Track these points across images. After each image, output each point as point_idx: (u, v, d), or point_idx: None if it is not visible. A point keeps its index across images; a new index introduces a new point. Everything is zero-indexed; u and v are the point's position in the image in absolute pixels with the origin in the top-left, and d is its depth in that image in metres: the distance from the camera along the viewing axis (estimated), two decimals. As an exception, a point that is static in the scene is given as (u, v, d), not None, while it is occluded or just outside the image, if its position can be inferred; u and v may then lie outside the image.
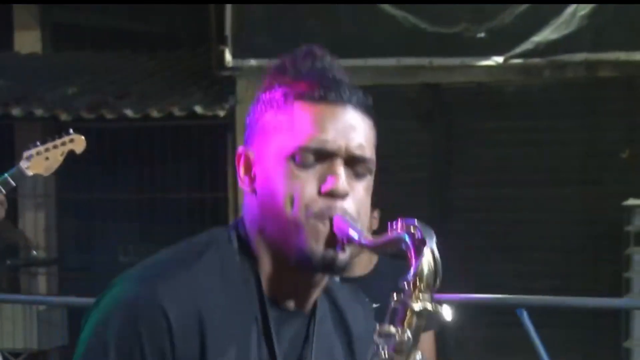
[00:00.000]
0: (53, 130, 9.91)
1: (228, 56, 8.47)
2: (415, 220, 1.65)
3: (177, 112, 9.10)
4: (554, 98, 8.41)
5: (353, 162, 1.74)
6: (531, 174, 8.31)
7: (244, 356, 1.73)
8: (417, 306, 1.63)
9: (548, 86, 8.44)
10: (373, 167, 1.78)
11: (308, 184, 1.72)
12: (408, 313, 1.64)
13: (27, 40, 10.73)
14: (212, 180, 9.57)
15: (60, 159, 4.30)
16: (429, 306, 1.63)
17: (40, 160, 4.26)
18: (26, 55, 10.63)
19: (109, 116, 9.22)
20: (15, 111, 9.30)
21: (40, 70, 10.18)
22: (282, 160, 1.73)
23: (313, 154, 1.72)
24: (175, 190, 9.48)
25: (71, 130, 4.33)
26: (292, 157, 1.72)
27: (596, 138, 8.21)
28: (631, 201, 7.63)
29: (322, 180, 1.72)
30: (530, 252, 8.21)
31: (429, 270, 1.63)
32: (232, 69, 8.58)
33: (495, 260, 7.97)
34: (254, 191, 1.78)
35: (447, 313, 1.63)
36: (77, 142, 4.34)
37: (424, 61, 8.06)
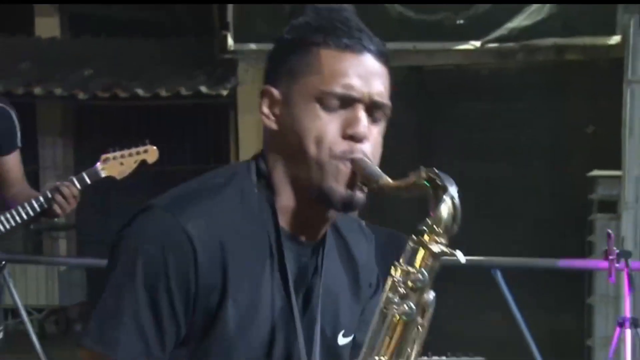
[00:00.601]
0: (72, 108, 9.89)
1: (230, 41, 8.44)
2: (435, 169, 1.63)
3: (184, 91, 9.10)
4: (526, 79, 8.39)
5: (373, 107, 1.72)
6: (505, 150, 8.31)
7: (259, 286, 1.70)
8: (435, 248, 1.61)
9: (520, 68, 8.42)
10: (389, 112, 1.76)
11: (332, 127, 1.70)
12: (426, 254, 1.62)
13: (47, 26, 10.66)
14: (216, 153, 9.58)
15: (134, 166, 4.19)
16: (445, 249, 1.61)
17: (115, 165, 4.17)
18: (46, 40, 10.57)
19: (122, 95, 9.21)
20: (37, 90, 9.26)
21: (59, 53, 10.13)
22: (309, 102, 1.70)
23: (339, 99, 1.70)
24: (182, 162, 9.48)
25: (147, 141, 4.23)
26: (319, 100, 1.70)
27: (564, 116, 8.20)
28: (595, 172, 7.64)
29: (345, 124, 1.70)
30: (505, 221, 8.22)
31: (448, 215, 1.60)
32: (233, 52, 8.55)
33: (473, 227, 7.97)
34: (278, 128, 1.74)
35: (461, 257, 1.61)
36: (151, 153, 4.23)
37: (408, 46, 8.03)
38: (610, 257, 4.61)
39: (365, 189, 1.71)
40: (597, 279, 7.34)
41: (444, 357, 3.80)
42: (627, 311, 4.79)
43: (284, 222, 1.74)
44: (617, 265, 4.61)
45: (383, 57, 1.75)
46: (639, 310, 5.64)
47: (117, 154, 4.19)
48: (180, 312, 1.65)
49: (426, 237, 1.61)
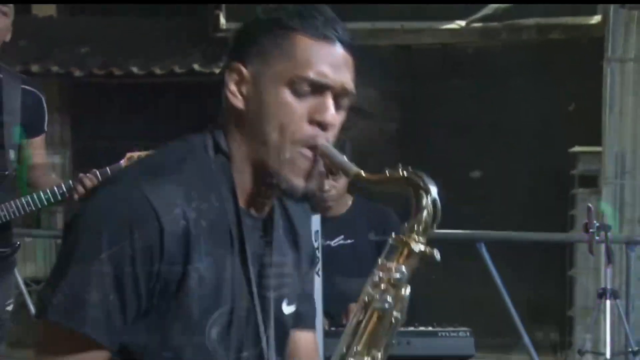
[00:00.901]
0: (69, 85, 9.84)
1: (222, 20, 8.40)
2: (412, 169, 1.63)
3: (178, 69, 9.06)
4: (510, 58, 8.38)
5: (340, 95, 1.71)
6: (489, 126, 8.30)
7: (220, 260, 1.68)
8: (415, 247, 1.62)
9: (504, 47, 8.40)
10: (353, 101, 1.75)
11: (299, 113, 1.68)
12: (405, 252, 1.63)
13: (44, 6, 10.60)
14: (209, 130, 9.55)
15: None
16: (424, 248, 1.62)
17: None
18: (43, 18, 10.50)
19: (117, 73, 9.16)
20: (34, 68, 9.21)
21: (56, 32, 10.07)
22: (279, 86, 1.68)
23: (310, 85, 1.68)
24: (176, 138, 9.43)
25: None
26: (289, 85, 1.67)
27: (546, 93, 8.19)
28: (576, 148, 7.65)
29: (313, 110, 1.69)
30: (489, 196, 8.23)
31: (428, 216, 1.61)
32: (226, 31, 8.51)
33: (458, 202, 7.99)
34: (243, 108, 1.72)
35: (437, 256, 1.62)
36: None
37: (396, 25, 8.01)
38: (591, 231, 4.63)
39: (332, 177, 1.71)
40: (578, 251, 7.37)
41: (430, 328, 3.80)
42: (606, 283, 4.82)
43: (240, 198, 1.73)
44: (596, 238, 4.63)
45: (352, 48, 1.73)
46: (617, 282, 5.67)
47: (142, 153, 4.15)
48: (143, 287, 1.62)
49: (407, 236, 1.62)
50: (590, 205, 4.82)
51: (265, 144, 1.69)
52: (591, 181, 7.47)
